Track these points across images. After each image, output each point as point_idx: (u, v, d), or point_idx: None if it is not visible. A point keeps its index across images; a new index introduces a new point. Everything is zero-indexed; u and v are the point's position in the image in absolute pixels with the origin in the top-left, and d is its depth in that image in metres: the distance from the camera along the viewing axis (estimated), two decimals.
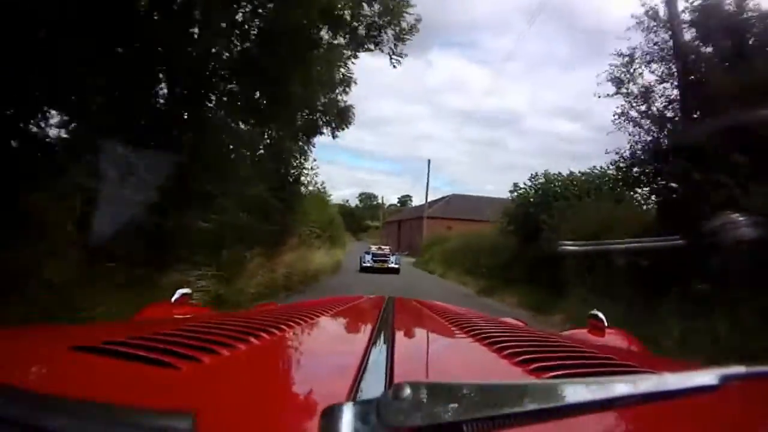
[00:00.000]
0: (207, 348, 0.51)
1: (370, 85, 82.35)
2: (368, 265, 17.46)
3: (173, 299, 1.21)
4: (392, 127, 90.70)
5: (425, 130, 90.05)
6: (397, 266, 17.98)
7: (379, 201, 68.65)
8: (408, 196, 65.25)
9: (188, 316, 1.07)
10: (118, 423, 0.26)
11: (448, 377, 0.57)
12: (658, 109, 6.24)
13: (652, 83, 6.29)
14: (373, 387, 0.43)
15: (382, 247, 22.18)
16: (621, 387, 0.30)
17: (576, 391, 0.29)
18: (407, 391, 0.27)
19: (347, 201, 76.23)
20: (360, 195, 78.29)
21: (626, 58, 6.39)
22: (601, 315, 1.21)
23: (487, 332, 0.72)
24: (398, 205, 65.87)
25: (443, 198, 33.73)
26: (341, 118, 8.82)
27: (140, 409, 0.27)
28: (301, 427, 0.34)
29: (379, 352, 0.58)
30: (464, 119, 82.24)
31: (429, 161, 35.93)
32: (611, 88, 6.49)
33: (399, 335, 0.75)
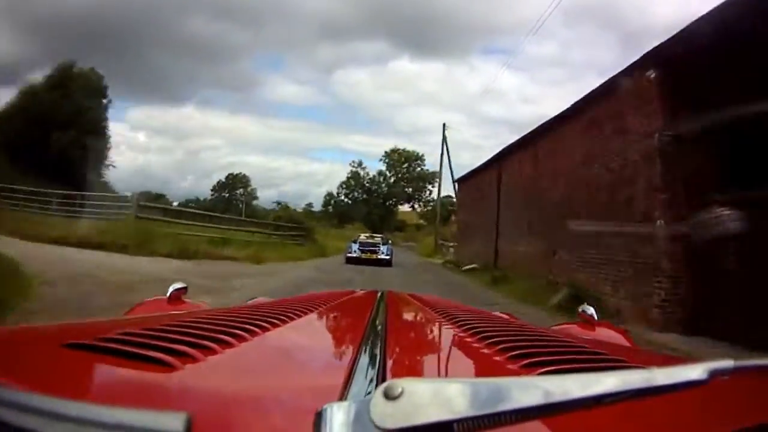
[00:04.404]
0: (199, 344, 0.51)
1: (409, 92, 75.33)
2: (354, 255, 14.90)
3: (167, 294, 1.19)
4: (430, 137, 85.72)
5: (464, 138, 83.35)
6: (388, 257, 14.92)
7: (425, 167, 41.71)
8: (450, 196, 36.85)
9: (182, 312, 1.06)
10: (109, 423, 0.26)
11: (440, 374, 0.57)
12: None
13: None
14: (365, 385, 0.43)
15: (374, 235, 18.49)
16: (611, 383, 0.30)
17: (566, 388, 0.29)
18: (398, 390, 0.27)
19: (358, 163, 45.70)
20: (389, 154, 44.76)
21: None
22: (591, 309, 1.22)
23: (480, 328, 0.72)
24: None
25: None
26: None
27: (132, 409, 0.27)
28: (294, 428, 0.34)
29: (371, 349, 0.59)
30: (502, 126, 71.09)
31: None
32: None
33: (391, 331, 0.75)
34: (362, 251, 15.25)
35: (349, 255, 15.09)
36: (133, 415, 0.26)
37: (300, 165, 72.16)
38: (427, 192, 43.86)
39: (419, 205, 44.43)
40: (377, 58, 76.23)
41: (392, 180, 45.05)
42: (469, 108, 76.08)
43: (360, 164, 47.08)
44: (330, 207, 46.79)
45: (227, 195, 50.42)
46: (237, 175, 52.15)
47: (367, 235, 18.74)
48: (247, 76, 62.33)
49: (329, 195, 48.44)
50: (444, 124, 25.13)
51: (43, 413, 0.26)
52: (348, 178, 46.61)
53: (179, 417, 0.26)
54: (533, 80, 76.11)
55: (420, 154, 44.35)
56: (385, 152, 46.17)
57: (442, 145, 25.28)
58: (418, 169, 44.31)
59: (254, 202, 49.22)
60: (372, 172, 46.16)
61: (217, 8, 62.16)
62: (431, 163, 41.53)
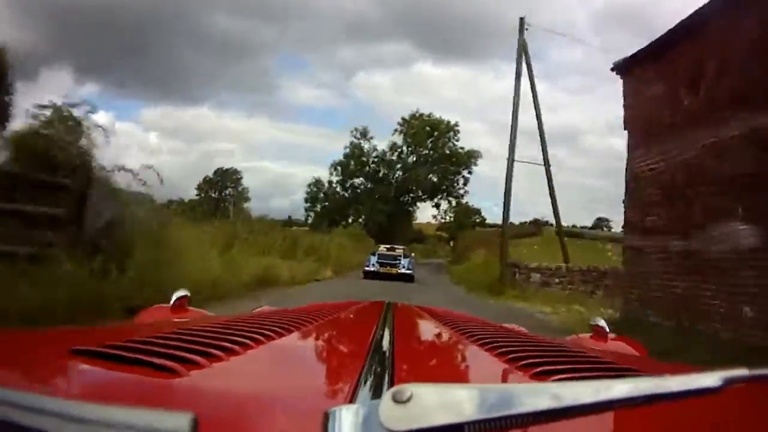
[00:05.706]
0: (206, 352, 0.51)
1: (431, 98, 69.83)
2: (372, 269, 14.16)
3: (171, 302, 1.19)
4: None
5: (480, 146, 79.44)
6: (410, 272, 14.08)
7: (468, 147, 26.90)
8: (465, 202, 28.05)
9: (186, 319, 1.06)
10: (115, 423, 0.26)
11: (448, 380, 0.56)
12: None
13: None
14: (373, 390, 0.43)
15: (395, 247, 16.63)
16: (622, 389, 0.29)
17: (577, 393, 0.29)
18: (408, 393, 0.27)
19: (362, 132, 28.30)
20: (407, 121, 27.66)
21: None
22: (603, 322, 1.20)
23: (489, 338, 0.72)
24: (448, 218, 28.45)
25: None
26: None
27: (138, 408, 0.27)
28: (302, 431, 0.34)
29: (379, 356, 0.58)
30: (524, 136, 65.46)
31: None
32: None
33: (399, 339, 0.75)
34: (381, 265, 14.25)
35: (367, 269, 14.33)
36: (139, 414, 0.26)
37: (317, 172, 69.71)
38: (461, 181, 28.18)
39: (447, 202, 28.79)
40: (400, 61, 72.30)
41: (411, 160, 27.68)
42: (491, 117, 66.08)
43: (365, 134, 28.78)
44: (317, 203, 31.26)
45: (216, 195, 39.53)
46: (228, 170, 40.39)
47: (388, 247, 16.62)
48: (265, 77, 61.18)
49: (316, 183, 31.14)
50: (522, 19, 13.13)
51: (51, 413, 0.27)
52: (345, 156, 29.57)
53: (185, 417, 0.26)
54: (558, 88, 70.82)
55: (453, 124, 27.27)
56: (403, 118, 28.27)
57: (518, 58, 13.09)
58: (449, 143, 27.41)
59: (246, 205, 33.11)
60: (382, 146, 28.56)
61: (236, 7, 62.28)
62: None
